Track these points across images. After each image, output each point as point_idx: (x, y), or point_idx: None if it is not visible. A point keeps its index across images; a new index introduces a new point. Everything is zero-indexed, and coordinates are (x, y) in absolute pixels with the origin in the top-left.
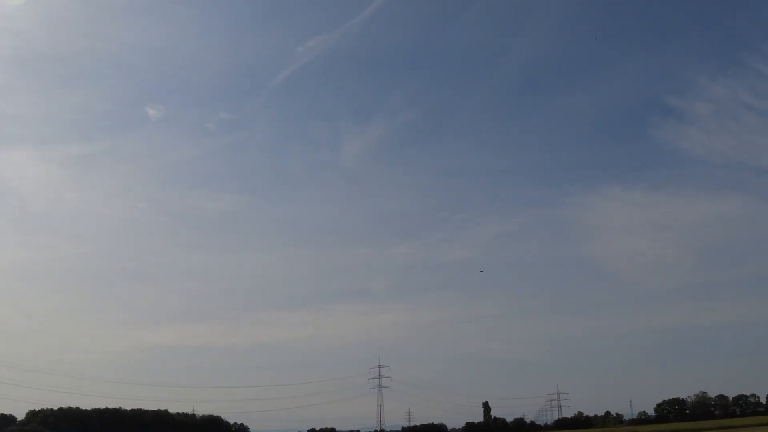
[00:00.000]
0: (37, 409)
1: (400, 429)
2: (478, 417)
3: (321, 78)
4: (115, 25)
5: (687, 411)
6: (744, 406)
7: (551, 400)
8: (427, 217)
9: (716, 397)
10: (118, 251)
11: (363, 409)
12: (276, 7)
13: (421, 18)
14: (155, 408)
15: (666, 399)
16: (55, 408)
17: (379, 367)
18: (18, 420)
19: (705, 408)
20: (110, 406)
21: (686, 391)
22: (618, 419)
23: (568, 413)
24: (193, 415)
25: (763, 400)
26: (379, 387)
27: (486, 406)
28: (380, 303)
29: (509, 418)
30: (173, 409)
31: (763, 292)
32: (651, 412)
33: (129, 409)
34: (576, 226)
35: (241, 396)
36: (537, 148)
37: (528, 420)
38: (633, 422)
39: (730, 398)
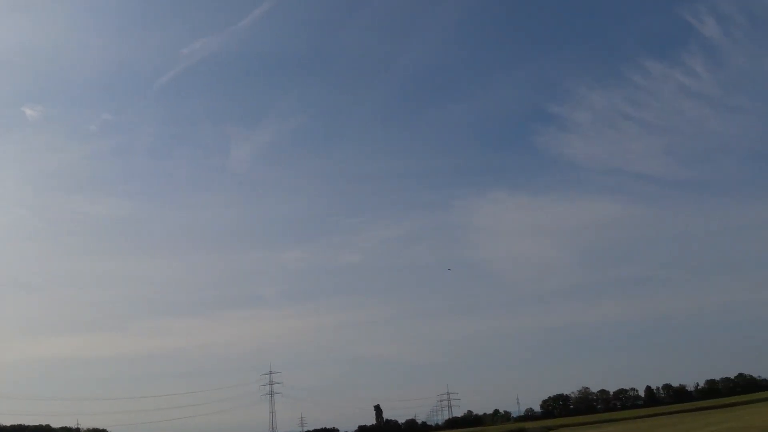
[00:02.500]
0: None
1: None
2: (370, 420)
3: (208, 80)
4: None
5: (571, 406)
6: (624, 399)
7: (442, 401)
8: (320, 221)
9: (598, 392)
10: None
11: (256, 417)
12: (162, 8)
13: (309, 23)
14: (37, 423)
15: (551, 395)
16: None
17: (271, 373)
18: None
19: (588, 402)
20: None
21: (570, 387)
22: (506, 416)
23: (459, 412)
24: (77, 429)
25: (641, 394)
26: (271, 393)
27: (378, 409)
28: (273, 308)
29: (401, 420)
30: (56, 424)
31: (639, 292)
32: (537, 408)
33: (9, 425)
34: (464, 230)
35: (130, 407)
36: (427, 153)
37: (420, 420)
38: (520, 419)
39: (611, 393)
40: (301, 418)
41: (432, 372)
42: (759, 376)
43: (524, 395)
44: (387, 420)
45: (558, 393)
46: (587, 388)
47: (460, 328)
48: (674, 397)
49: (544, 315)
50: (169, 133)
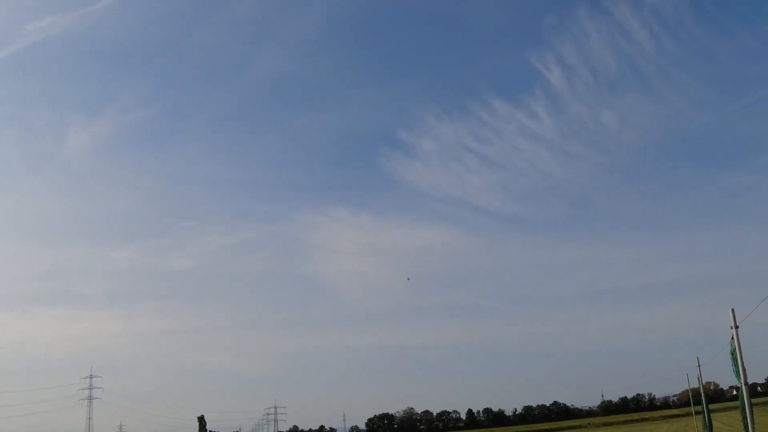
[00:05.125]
0: None
1: None
2: (193, 431)
3: (51, 61)
4: None
5: (395, 425)
6: (446, 421)
7: (268, 414)
8: (153, 222)
9: (422, 412)
10: None
11: (71, 422)
12: None
13: (165, 15)
14: None
15: (377, 414)
16: None
17: (91, 377)
18: None
19: (412, 423)
20: None
21: (396, 406)
22: None
23: (285, 427)
24: None
25: (463, 416)
26: (90, 398)
27: (201, 420)
28: (96, 309)
29: None
30: None
31: (465, 318)
32: (363, 426)
33: None
34: (302, 244)
35: None
36: (271, 163)
37: None
38: None
39: (435, 414)
40: (121, 425)
41: (259, 384)
42: (572, 405)
43: (351, 412)
44: (210, 431)
45: (384, 412)
46: (412, 408)
47: (290, 342)
48: (493, 420)
49: (373, 334)
50: None
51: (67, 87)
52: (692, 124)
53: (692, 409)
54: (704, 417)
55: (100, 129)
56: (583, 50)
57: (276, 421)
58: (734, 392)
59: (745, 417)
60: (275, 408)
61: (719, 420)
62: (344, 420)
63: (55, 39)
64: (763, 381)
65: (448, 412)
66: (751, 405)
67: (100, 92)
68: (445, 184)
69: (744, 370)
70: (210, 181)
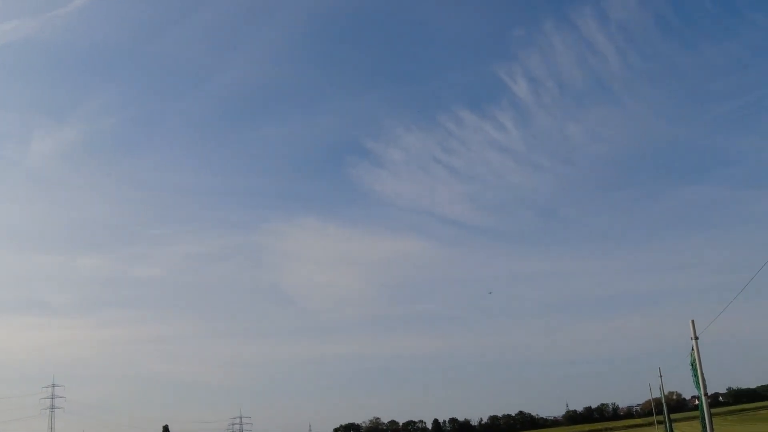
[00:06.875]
0: None
1: None
2: None
3: (16, 65)
4: None
5: None
6: (412, 431)
7: (234, 424)
8: (121, 229)
9: (388, 422)
10: None
11: None
12: None
13: (133, 22)
14: None
15: (343, 424)
16: None
17: (53, 386)
18: None
19: None
20: None
21: (362, 416)
22: None
23: None
24: None
25: (429, 426)
26: (52, 408)
27: (166, 430)
28: (60, 317)
29: None
30: None
31: (433, 328)
32: None
33: None
34: (270, 254)
35: None
36: (239, 171)
37: None
38: None
39: (401, 423)
40: None
41: (225, 394)
42: (537, 415)
43: (317, 423)
44: None
45: (350, 422)
46: (378, 418)
47: (256, 351)
48: (459, 430)
49: (339, 344)
50: None
51: (32, 92)
52: (658, 138)
53: (654, 418)
54: (665, 426)
55: (66, 135)
56: (550, 63)
57: (241, 431)
58: (696, 402)
59: (704, 427)
60: (240, 418)
61: (681, 429)
62: (310, 430)
63: (21, 43)
64: (725, 391)
65: (414, 422)
66: (711, 415)
67: (66, 98)
68: (413, 194)
69: (704, 380)
70: (178, 190)
